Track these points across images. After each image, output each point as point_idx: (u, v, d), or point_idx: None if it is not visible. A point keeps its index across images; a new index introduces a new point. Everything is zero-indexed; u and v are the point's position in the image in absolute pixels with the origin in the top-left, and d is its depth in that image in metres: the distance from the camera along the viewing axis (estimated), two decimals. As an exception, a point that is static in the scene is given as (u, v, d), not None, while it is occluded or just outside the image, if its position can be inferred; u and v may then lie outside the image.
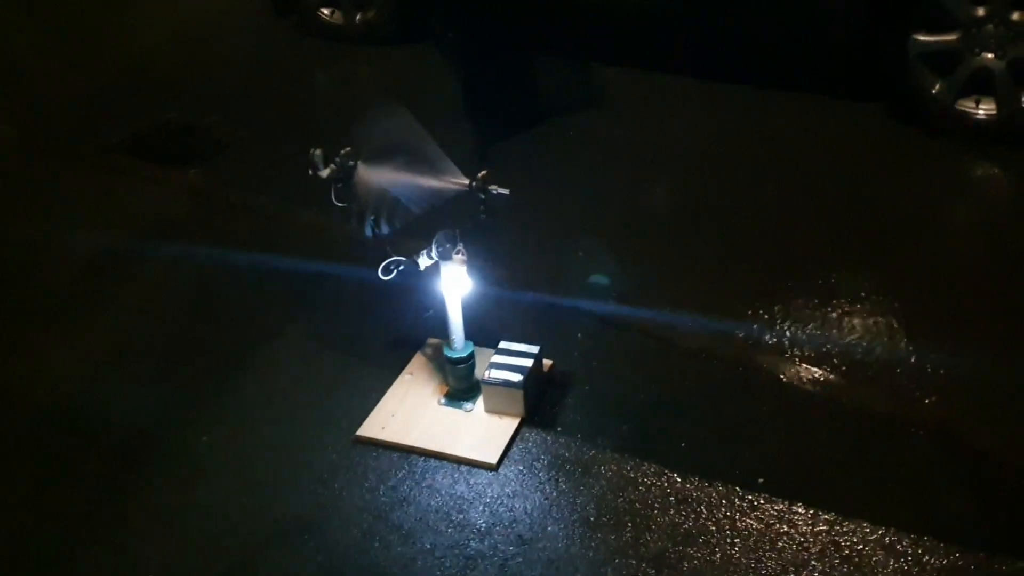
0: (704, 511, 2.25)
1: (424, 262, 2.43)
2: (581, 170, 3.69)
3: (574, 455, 2.43)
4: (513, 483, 2.37)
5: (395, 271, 2.48)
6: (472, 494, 2.35)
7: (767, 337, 2.75)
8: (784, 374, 2.63)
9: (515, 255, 3.16)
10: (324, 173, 2.41)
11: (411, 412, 2.57)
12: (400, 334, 2.85)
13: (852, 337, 2.72)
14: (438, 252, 2.38)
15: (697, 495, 2.29)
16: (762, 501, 2.26)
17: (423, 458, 2.46)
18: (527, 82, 4.44)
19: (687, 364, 2.70)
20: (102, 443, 2.61)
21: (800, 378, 2.61)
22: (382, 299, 2.86)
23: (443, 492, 2.36)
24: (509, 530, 2.25)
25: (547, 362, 2.70)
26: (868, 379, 2.59)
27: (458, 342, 2.55)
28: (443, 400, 2.60)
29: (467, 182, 2.32)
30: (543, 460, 2.43)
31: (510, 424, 2.51)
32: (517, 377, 2.49)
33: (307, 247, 3.32)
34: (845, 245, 3.11)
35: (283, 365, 2.82)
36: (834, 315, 2.80)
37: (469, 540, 2.23)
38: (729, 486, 2.30)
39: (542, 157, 3.78)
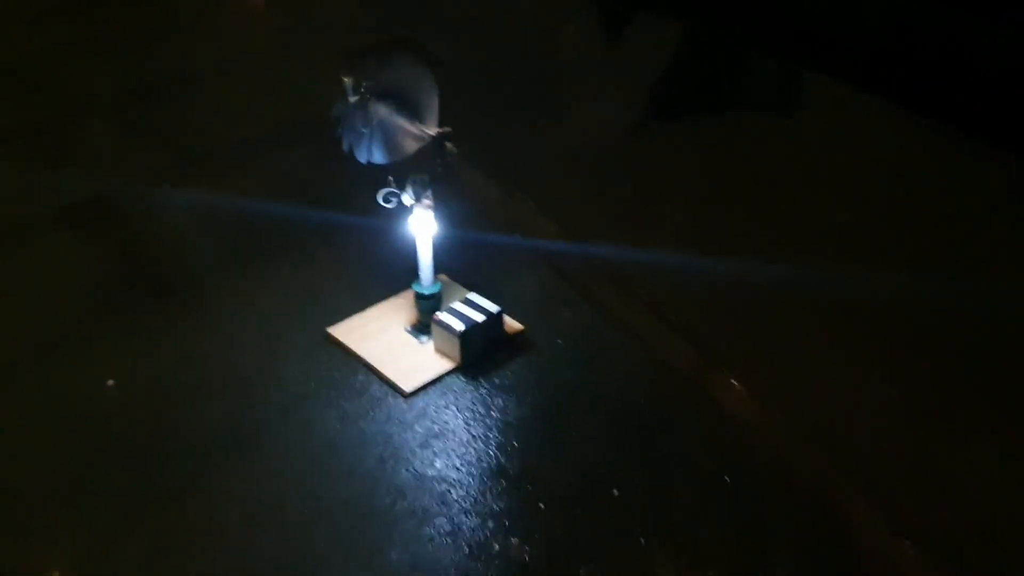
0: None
1: (407, 200, 2.70)
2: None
3: (472, 415, 2.60)
4: (409, 413, 2.61)
5: (394, 201, 2.76)
6: (374, 408, 2.62)
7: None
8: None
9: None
10: (353, 99, 2.72)
11: (379, 328, 2.87)
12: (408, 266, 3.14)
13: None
14: (412, 194, 2.64)
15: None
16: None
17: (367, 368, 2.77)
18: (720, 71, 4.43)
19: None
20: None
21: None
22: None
23: (359, 398, 2.65)
24: (362, 448, 2.49)
25: (516, 325, 2.87)
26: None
27: (426, 280, 2.81)
28: (408, 328, 2.87)
29: (432, 133, 2.53)
30: (448, 405, 2.63)
31: (444, 365, 2.73)
32: (460, 326, 2.70)
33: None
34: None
35: (298, 272, 3.19)
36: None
37: (335, 436, 2.52)
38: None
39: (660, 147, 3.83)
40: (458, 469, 2.43)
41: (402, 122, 2.56)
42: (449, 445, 2.50)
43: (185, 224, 3.47)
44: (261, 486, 2.39)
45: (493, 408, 2.62)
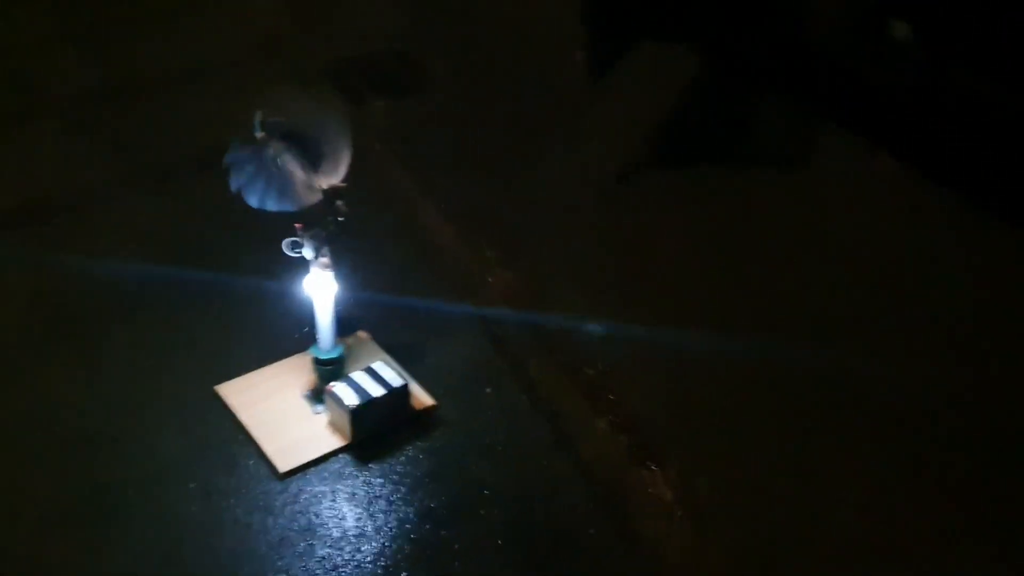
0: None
1: (307, 253, 2.38)
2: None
3: (349, 509, 2.26)
4: (279, 498, 2.28)
5: (299, 251, 2.45)
6: (243, 488, 2.30)
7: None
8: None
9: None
10: (258, 135, 2.42)
11: (273, 390, 2.55)
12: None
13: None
14: (311, 249, 2.32)
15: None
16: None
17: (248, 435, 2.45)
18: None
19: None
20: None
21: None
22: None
23: (230, 473, 2.33)
24: (215, 537, 2.18)
25: (427, 401, 2.53)
26: None
27: (324, 343, 2.48)
28: (307, 393, 2.54)
29: (323, 187, 2.21)
30: (325, 494, 2.30)
31: (331, 443, 2.40)
32: (353, 400, 2.37)
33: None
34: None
35: (199, 319, 2.86)
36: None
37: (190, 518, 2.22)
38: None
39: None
40: (313, 576, 2.09)
41: (298, 170, 2.24)
42: (314, 545, 2.16)
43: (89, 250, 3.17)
44: (99, 565, 2.09)
45: (376, 502, 2.28)
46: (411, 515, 2.24)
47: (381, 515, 2.24)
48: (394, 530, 2.20)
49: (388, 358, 2.64)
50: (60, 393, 2.55)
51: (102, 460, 2.35)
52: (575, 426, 2.54)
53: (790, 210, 3.40)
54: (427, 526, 2.22)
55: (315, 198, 2.27)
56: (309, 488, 2.31)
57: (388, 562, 2.13)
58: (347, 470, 2.36)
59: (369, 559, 2.13)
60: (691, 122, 3.98)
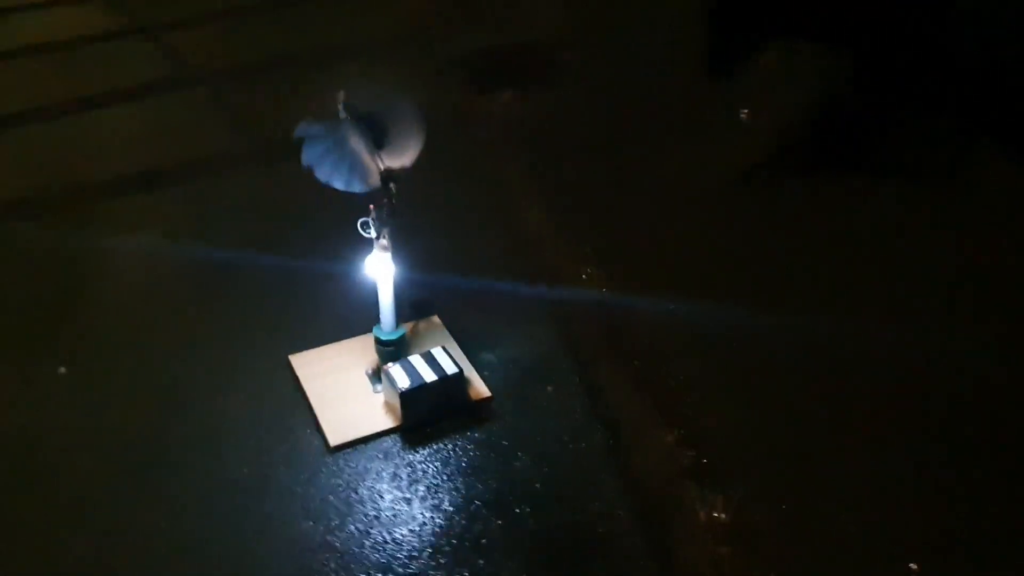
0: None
1: (371, 234, 2.40)
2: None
3: (390, 491, 2.27)
4: (324, 470, 2.32)
5: (368, 231, 2.48)
6: (292, 455, 2.36)
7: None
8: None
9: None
10: (342, 116, 2.47)
11: (339, 365, 2.60)
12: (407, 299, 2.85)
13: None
14: (373, 229, 2.34)
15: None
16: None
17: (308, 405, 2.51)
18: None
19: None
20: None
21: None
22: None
23: (285, 440, 2.40)
24: (257, 499, 2.25)
25: (484, 392, 2.52)
26: None
27: (386, 324, 2.51)
28: (369, 370, 2.58)
29: (382, 167, 2.22)
30: (370, 472, 2.32)
31: (385, 423, 2.43)
32: (405, 383, 2.38)
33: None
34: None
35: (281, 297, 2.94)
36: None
37: (239, 477, 2.29)
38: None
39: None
40: (340, 554, 2.12)
41: (367, 152, 2.27)
42: (346, 522, 2.19)
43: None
44: (145, 512, 2.22)
45: (416, 489, 2.28)
46: (447, 505, 2.24)
47: (417, 500, 2.24)
48: (427, 518, 2.20)
49: (453, 345, 2.64)
50: (144, 353, 2.70)
51: (172, 418, 2.47)
52: (634, 436, 2.46)
53: (927, 227, 3.15)
54: (460, 519, 2.20)
55: (376, 180, 2.29)
56: (355, 464, 2.34)
57: (413, 549, 2.13)
58: (395, 450, 2.38)
59: (394, 542, 2.14)
60: (825, 125, 3.77)
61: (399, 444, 2.40)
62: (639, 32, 4.36)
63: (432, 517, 2.20)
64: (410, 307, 2.80)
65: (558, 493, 2.27)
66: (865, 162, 3.55)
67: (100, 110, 4.01)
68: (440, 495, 2.26)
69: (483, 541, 2.15)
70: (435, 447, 2.39)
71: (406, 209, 2.30)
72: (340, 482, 2.29)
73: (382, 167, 2.22)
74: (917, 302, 2.82)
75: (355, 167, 2.28)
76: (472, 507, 2.23)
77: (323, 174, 2.31)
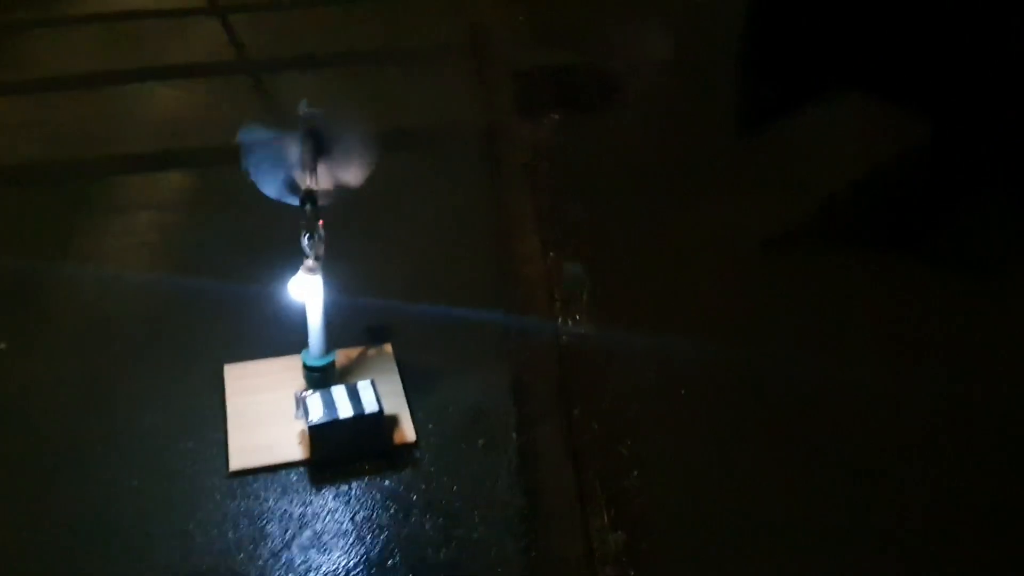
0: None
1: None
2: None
3: (261, 535, 2.10)
4: (211, 497, 2.17)
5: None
6: (190, 473, 2.23)
7: None
8: None
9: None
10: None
11: (271, 383, 2.46)
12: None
13: None
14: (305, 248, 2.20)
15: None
16: None
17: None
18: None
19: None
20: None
21: None
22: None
23: (187, 455, 2.28)
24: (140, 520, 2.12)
25: (407, 435, 2.34)
26: None
27: (314, 349, 2.35)
28: (299, 394, 2.43)
29: (303, 185, 2.07)
30: (251, 509, 2.16)
31: (294, 454, 2.27)
32: (317, 416, 2.22)
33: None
34: None
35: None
36: None
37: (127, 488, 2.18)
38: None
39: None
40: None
41: (305, 166, 2.14)
42: (218, 549, 2.04)
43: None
44: (35, 517, 2.14)
45: (302, 533, 2.11)
46: (327, 557, 2.06)
47: (296, 547, 2.07)
48: (297, 566, 2.03)
49: (393, 379, 2.47)
50: (88, 341, 2.63)
51: (84, 423, 2.38)
52: (559, 513, 2.23)
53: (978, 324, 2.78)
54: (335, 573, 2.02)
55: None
56: (251, 493, 2.19)
57: (273, 598, 1.96)
58: (297, 486, 2.22)
59: (257, 586, 1.98)
60: (876, 195, 3.42)
61: (304, 479, 2.24)
62: (712, 68, 4.09)
63: (304, 567, 2.03)
64: (366, 332, 2.65)
65: (446, 566, 2.05)
66: (916, 245, 3.18)
67: (140, 84, 4.01)
68: (324, 545, 2.08)
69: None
70: (340, 489, 2.22)
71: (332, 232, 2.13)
72: (227, 511, 2.14)
73: (308, 185, 2.07)
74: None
75: (288, 180, 2.15)
76: (353, 566, 2.04)
77: (259, 180, 2.19)
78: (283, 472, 2.25)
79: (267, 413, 2.37)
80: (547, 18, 4.83)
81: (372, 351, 2.57)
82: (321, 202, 2.20)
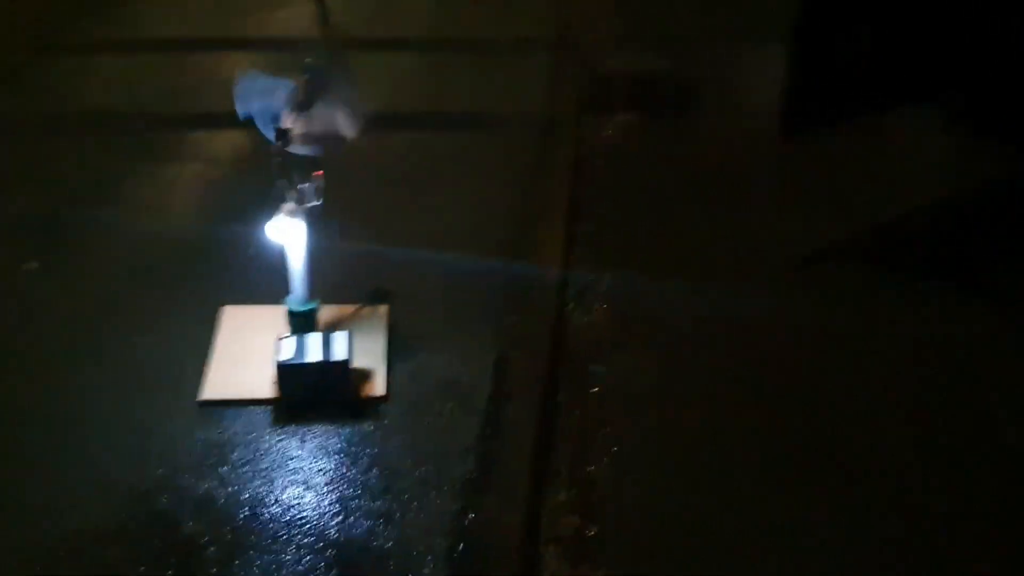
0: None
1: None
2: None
3: (222, 459, 2.17)
4: (184, 420, 2.25)
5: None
6: (163, 394, 2.33)
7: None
8: None
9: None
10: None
11: (262, 326, 2.53)
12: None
13: None
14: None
15: None
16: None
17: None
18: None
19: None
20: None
21: None
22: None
23: (165, 377, 2.38)
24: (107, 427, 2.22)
25: (376, 388, 2.36)
26: None
27: (296, 295, 2.41)
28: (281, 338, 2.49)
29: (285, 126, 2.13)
30: (212, 437, 2.23)
31: (263, 392, 2.34)
32: (286, 357, 2.28)
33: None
34: None
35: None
36: None
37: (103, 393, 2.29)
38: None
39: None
40: (134, 498, 2.05)
41: (290, 109, 2.20)
42: (153, 475, 2.11)
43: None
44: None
45: (244, 468, 2.15)
46: (263, 495, 2.09)
47: (237, 480, 2.12)
48: (234, 498, 2.07)
49: (378, 337, 2.50)
50: (106, 273, 2.79)
51: (84, 337, 2.52)
52: (507, 481, 2.20)
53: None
54: (263, 514, 2.05)
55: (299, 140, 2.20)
56: (214, 421, 2.27)
57: (193, 522, 2.01)
58: (258, 421, 2.28)
59: (184, 504, 2.04)
60: (931, 211, 3.22)
61: (267, 417, 2.30)
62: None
63: (238, 499, 2.07)
64: (370, 292, 2.70)
65: (391, 525, 2.05)
66: (979, 277, 2.98)
67: (231, 52, 4.22)
68: (268, 478, 2.13)
69: (261, 542, 1.98)
70: (299, 429, 2.26)
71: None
72: (192, 436, 2.22)
73: (286, 126, 2.13)
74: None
75: (272, 118, 2.22)
76: (289, 510, 2.07)
77: (247, 111, 2.25)
78: (251, 408, 2.31)
79: (250, 353, 2.44)
80: (645, 23, 4.80)
81: (368, 310, 2.62)
82: (312, 151, 2.26)
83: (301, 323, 2.41)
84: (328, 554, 1.95)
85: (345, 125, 2.25)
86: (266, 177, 2.90)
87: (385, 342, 2.50)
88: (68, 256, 2.84)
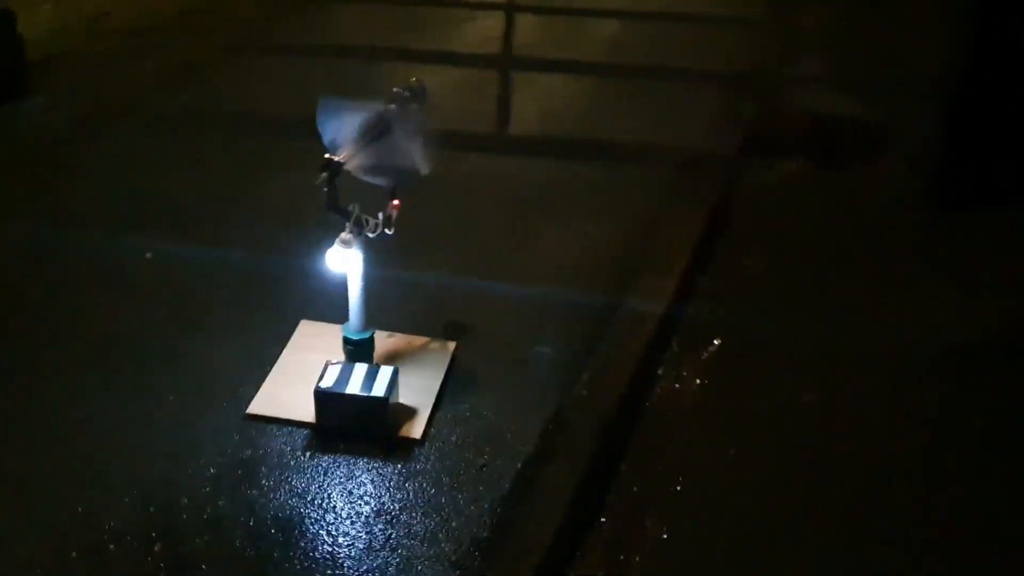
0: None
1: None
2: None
3: (247, 475, 2.17)
4: (224, 432, 2.27)
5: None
6: (215, 400, 2.36)
7: None
8: None
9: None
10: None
11: (330, 346, 2.51)
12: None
13: None
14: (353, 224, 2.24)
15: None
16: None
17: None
18: None
19: None
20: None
21: None
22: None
23: (221, 384, 2.42)
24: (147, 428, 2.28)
25: (413, 431, 2.29)
26: None
27: (353, 323, 2.38)
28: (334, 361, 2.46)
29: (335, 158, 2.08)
30: (254, 450, 2.23)
31: (304, 414, 2.32)
32: (327, 384, 2.25)
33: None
34: None
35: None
36: None
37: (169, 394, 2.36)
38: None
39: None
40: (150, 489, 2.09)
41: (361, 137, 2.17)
42: (174, 479, 2.15)
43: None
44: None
45: (261, 485, 2.15)
46: (270, 509, 2.08)
47: (257, 492, 2.12)
48: (247, 507, 2.07)
49: (435, 375, 2.43)
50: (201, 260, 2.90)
51: (161, 330, 2.62)
52: (519, 553, 2.05)
53: None
54: (241, 535, 2.03)
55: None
56: (252, 436, 2.28)
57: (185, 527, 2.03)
58: (294, 443, 2.27)
59: (197, 515, 2.06)
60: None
61: (305, 440, 2.28)
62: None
63: (254, 509, 2.07)
64: (444, 325, 2.63)
65: (381, 570, 1.97)
66: None
67: (405, 63, 4.30)
68: (278, 497, 2.11)
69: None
70: (326, 458, 2.23)
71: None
72: (221, 443, 2.24)
73: (338, 157, 2.10)
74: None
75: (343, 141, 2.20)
76: (290, 522, 2.04)
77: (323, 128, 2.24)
78: (292, 429, 2.30)
79: (308, 372, 2.42)
80: (849, 62, 4.43)
81: (435, 345, 2.55)
82: (382, 182, 2.24)
83: (355, 351, 2.38)
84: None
85: (419, 159, 2.19)
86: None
87: (440, 380, 2.42)
88: (179, 247, 2.96)
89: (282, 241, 2.98)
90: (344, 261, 2.25)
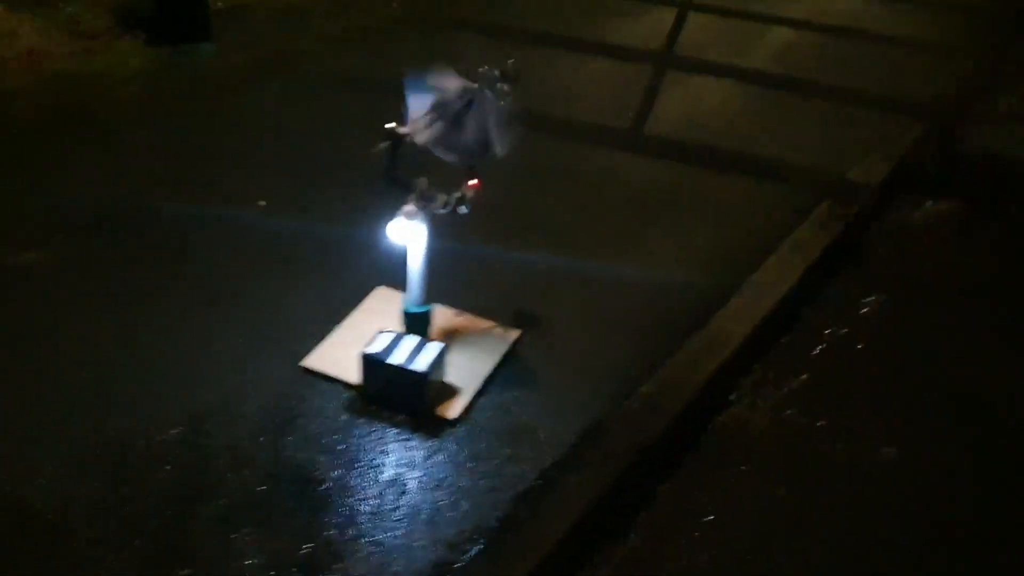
0: None
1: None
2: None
3: (291, 427, 2.24)
4: (278, 381, 2.35)
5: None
6: (274, 350, 2.45)
7: None
8: None
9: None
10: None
11: (387, 310, 2.56)
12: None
13: None
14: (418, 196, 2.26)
15: None
16: None
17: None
18: None
19: None
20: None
21: None
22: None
23: (286, 336, 2.50)
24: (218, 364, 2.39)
25: (451, 412, 2.29)
26: None
27: (412, 296, 2.40)
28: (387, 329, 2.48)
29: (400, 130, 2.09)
30: (297, 401, 2.31)
31: (351, 375, 2.36)
32: (372, 350, 2.29)
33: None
34: None
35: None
36: None
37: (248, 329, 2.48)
38: None
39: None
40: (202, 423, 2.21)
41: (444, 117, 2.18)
42: (216, 414, 2.25)
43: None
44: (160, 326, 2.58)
45: (295, 435, 2.22)
46: (297, 462, 2.14)
47: (289, 444, 2.19)
48: (270, 459, 2.15)
49: (488, 361, 2.41)
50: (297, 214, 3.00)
51: (242, 277, 2.74)
52: (517, 553, 2.02)
53: None
54: (282, 484, 2.10)
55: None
56: (302, 388, 2.35)
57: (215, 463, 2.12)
58: (338, 403, 2.32)
59: (226, 449, 2.15)
60: None
61: (348, 401, 2.33)
62: None
63: (280, 458, 2.14)
64: (515, 313, 2.62)
65: (376, 543, 1.99)
66: None
67: (565, 52, 4.27)
68: (307, 450, 2.17)
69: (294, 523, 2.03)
70: (362, 421, 2.27)
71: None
72: (271, 388, 2.33)
73: (402, 130, 2.11)
74: None
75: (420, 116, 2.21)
76: (309, 479, 2.10)
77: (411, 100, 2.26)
78: (340, 388, 2.36)
79: (369, 336, 2.48)
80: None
81: (498, 330, 2.53)
82: (458, 161, 2.24)
83: (413, 324, 2.40)
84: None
85: (496, 141, 2.18)
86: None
87: (493, 366, 2.41)
88: (295, 196, 3.09)
89: (391, 208, 3.05)
90: (406, 233, 2.27)
